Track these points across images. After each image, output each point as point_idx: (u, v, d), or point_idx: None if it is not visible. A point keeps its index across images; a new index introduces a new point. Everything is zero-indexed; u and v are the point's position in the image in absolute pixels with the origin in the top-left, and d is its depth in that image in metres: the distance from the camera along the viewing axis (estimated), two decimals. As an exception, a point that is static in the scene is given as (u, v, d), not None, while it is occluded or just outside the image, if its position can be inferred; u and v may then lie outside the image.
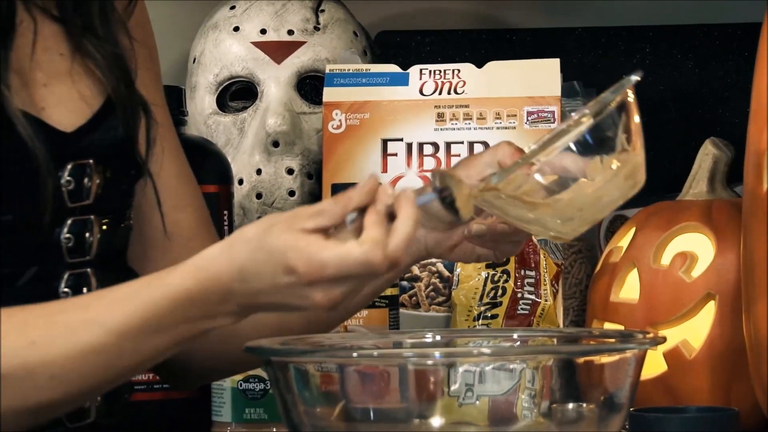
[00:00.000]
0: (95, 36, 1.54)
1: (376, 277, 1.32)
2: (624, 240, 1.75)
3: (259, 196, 2.04)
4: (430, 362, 1.31)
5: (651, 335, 1.38)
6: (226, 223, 1.93)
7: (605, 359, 1.30)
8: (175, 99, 2.03)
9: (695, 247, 1.69)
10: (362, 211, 1.30)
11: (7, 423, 1.32)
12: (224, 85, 2.09)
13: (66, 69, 1.53)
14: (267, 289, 1.32)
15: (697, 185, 1.77)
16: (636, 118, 1.43)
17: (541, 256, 1.75)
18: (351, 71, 1.95)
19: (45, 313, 1.34)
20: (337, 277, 1.30)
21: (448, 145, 1.89)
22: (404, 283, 1.86)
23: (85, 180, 1.47)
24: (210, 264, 1.33)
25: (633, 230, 1.75)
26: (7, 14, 1.46)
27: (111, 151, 1.50)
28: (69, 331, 1.33)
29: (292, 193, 2.04)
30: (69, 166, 1.45)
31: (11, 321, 1.32)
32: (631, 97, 1.42)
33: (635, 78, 1.41)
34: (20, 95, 1.46)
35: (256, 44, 2.08)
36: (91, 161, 1.47)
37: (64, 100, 1.51)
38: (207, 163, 2.00)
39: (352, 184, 1.58)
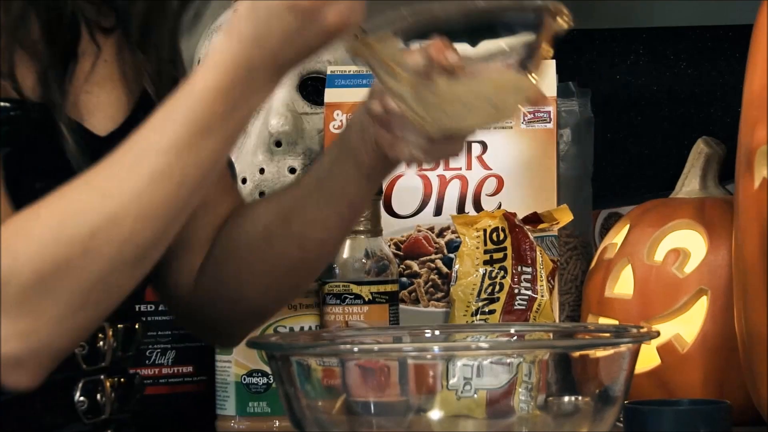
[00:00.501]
0: (147, 49, 1.53)
1: None
2: (618, 237, 1.76)
3: (262, 194, 2.03)
4: (429, 356, 1.31)
5: (645, 330, 1.38)
6: (229, 221, 1.94)
7: (600, 353, 1.30)
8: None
9: (688, 244, 1.70)
10: None
11: (119, 279, 1.33)
12: (228, 86, 2.10)
13: (108, 75, 1.52)
14: (282, 39, 1.33)
15: (689, 183, 1.77)
16: (547, 49, 1.42)
17: (538, 252, 1.75)
18: (351, 73, 1.95)
19: (102, 167, 1.34)
20: None
21: (446, 144, 1.89)
22: (404, 279, 1.86)
23: None
24: (221, 53, 1.34)
25: (627, 227, 1.75)
26: (73, 42, 1.46)
27: None
28: (130, 170, 1.33)
29: (292, 195, 2.05)
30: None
31: (76, 185, 1.33)
32: (557, 26, 1.40)
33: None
34: (79, 97, 1.48)
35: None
36: None
37: (103, 105, 1.51)
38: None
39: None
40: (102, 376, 1.49)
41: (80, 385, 1.47)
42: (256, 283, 1.58)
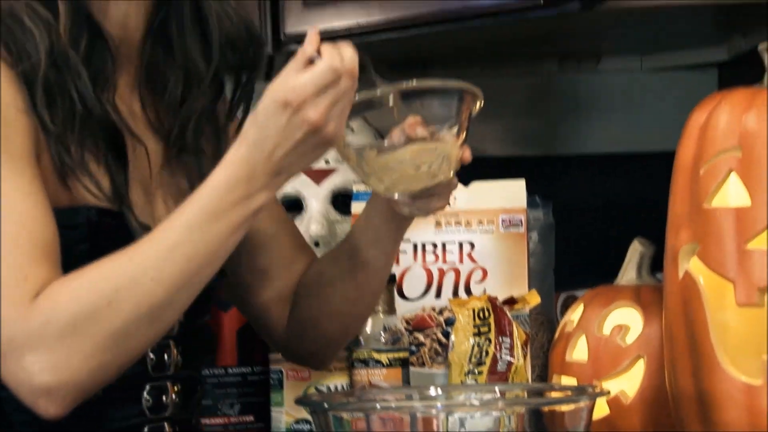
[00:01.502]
0: (197, 155, 1.49)
1: (349, 85, 1.29)
2: (575, 314, 1.75)
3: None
4: (433, 411, 1.31)
5: (598, 389, 1.38)
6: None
7: (565, 408, 1.30)
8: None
9: (628, 320, 1.69)
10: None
11: (136, 332, 1.30)
12: (280, 201, 2.09)
13: (176, 185, 1.49)
14: (278, 138, 1.29)
15: (628, 273, 1.76)
16: (471, 115, 1.39)
17: (514, 327, 1.74)
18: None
19: (139, 243, 1.32)
20: (317, 90, 1.28)
21: (444, 244, 1.88)
22: (413, 347, 1.85)
23: None
24: (232, 153, 1.32)
25: (582, 307, 1.75)
26: (117, 141, 1.42)
27: None
28: (152, 242, 1.31)
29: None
30: None
31: (117, 256, 1.31)
32: (475, 97, 1.38)
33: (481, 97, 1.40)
34: (145, 210, 1.44)
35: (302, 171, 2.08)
36: None
37: (171, 208, 1.44)
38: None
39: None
40: (167, 382, 1.45)
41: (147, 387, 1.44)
42: (330, 319, 1.58)
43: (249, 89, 1.51)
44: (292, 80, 1.29)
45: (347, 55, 1.31)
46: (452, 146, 1.40)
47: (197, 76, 1.47)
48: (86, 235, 1.37)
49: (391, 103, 1.38)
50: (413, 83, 1.37)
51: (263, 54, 1.52)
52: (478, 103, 1.41)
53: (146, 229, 1.39)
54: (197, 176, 1.45)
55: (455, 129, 1.39)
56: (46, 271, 1.30)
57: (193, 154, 1.49)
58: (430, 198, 1.45)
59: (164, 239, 1.31)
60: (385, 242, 1.54)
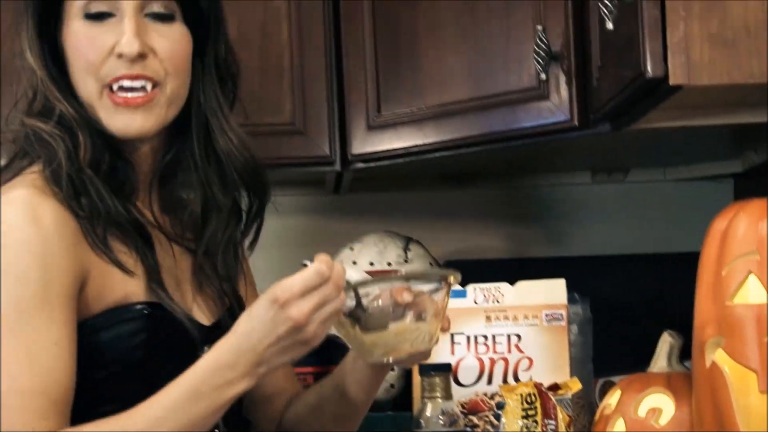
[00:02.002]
0: (215, 267, 1.46)
1: (333, 293, 1.25)
2: (613, 398, 1.72)
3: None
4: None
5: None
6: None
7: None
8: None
9: (661, 404, 1.66)
10: None
11: None
12: (346, 299, 2.10)
13: (201, 284, 1.46)
14: (263, 331, 1.26)
15: (659, 362, 1.73)
16: (447, 301, 1.38)
17: (558, 410, 1.73)
18: (459, 289, 1.94)
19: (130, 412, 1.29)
20: (303, 291, 1.25)
21: (494, 336, 1.87)
22: (468, 429, 1.83)
23: None
24: (222, 340, 1.28)
25: (618, 392, 1.72)
26: (143, 234, 1.39)
27: None
28: (142, 414, 1.27)
29: (392, 369, 2.02)
30: (206, 347, 1.37)
31: (110, 420, 1.27)
32: (456, 278, 1.38)
33: (458, 276, 1.40)
34: (176, 295, 1.41)
35: (368, 272, 2.06)
36: None
37: (203, 306, 1.44)
38: (337, 351, 1.98)
39: (436, 364, 1.59)
40: None
41: None
42: None
43: (260, 211, 1.50)
44: (285, 281, 1.27)
45: (336, 267, 1.28)
46: (433, 325, 1.40)
47: (216, 204, 1.45)
48: (142, 327, 1.35)
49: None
50: (402, 273, 1.38)
51: (268, 182, 1.49)
52: (456, 278, 1.42)
53: (189, 317, 1.37)
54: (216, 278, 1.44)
55: (437, 305, 1.39)
56: (53, 424, 1.27)
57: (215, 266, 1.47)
58: (411, 358, 1.43)
59: (150, 415, 1.28)
60: (366, 383, 1.50)
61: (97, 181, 1.34)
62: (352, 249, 2.10)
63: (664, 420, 1.64)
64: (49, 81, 1.36)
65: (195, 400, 1.27)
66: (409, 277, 1.41)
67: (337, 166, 2.03)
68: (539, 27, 1.74)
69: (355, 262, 2.08)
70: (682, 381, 1.66)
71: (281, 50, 2.01)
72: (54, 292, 1.28)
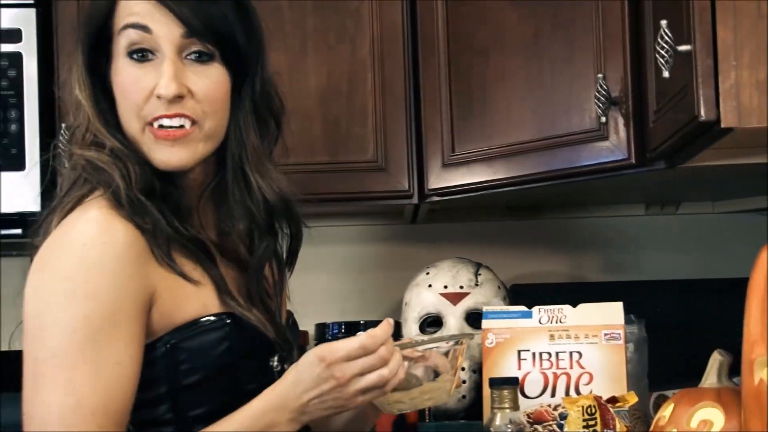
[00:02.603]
0: (262, 285, 1.39)
1: (375, 364, 1.23)
2: (666, 410, 1.69)
3: (445, 383, 2.02)
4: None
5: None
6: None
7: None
8: (397, 329, 2.04)
9: (712, 417, 1.63)
10: None
11: None
12: (423, 318, 2.08)
13: (253, 299, 1.39)
14: (308, 384, 1.24)
15: (710, 378, 1.70)
16: (461, 362, 1.40)
17: (617, 421, 1.70)
18: (498, 310, 1.94)
19: None
20: (346, 357, 1.23)
21: (557, 353, 1.85)
22: (530, 441, 1.82)
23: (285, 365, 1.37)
24: (272, 386, 1.26)
25: (672, 405, 1.69)
26: (204, 249, 1.34)
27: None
28: None
29: (464, 381, 2.02)
30: (275, 358, 1.35)
31: None
32: (469, 339, 1.41)
33: (471, 336, 1.43)
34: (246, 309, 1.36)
35: (442, 294, 2.08)
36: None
37: (261, 319, 1.37)
38: (414, 365, 1.99)
39: (504, 378, 1.58)
40: None
41: None
42: None
43: (294, 238, 1.44)
44: (334, 343, 1.26)
45: (388, 346, 1.26)
46: (450, 382, 1.41)
47: (258, 229, 1.38)
48: (225, 335, 1.30)
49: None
50: (424, 339, 1.39)
51: (298, 216, 1.41)
52: (468, 340, 1.43)
53: (263, 325, 1.33)
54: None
55: (455, 364, 1.40)
56: None
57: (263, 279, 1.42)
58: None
59: None
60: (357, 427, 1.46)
61: (154, 204, 1.30)
62: (427, 273, 2.10)
63: (714, 431, 1.61)
64: (97, 117, 1.32)
65: None
66: (430, 341, 1.41)
67: (415, 200, 2.04)
68: (600, 75, 1.74)
69: (430, 285, 2.08)
70: (732, 396, 1.63)
71: (366, 97, 2.03)
72: (123, 310, 1.23)
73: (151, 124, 1.31)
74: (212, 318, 1.30)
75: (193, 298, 1.30)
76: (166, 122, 1.30)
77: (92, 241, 1.22)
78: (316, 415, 1.26)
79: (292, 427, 1.26)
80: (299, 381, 1.25)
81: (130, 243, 1.24)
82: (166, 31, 1.29)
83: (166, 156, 1.31)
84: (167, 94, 1.29)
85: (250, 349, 1.33)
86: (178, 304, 1.29)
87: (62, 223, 1.25)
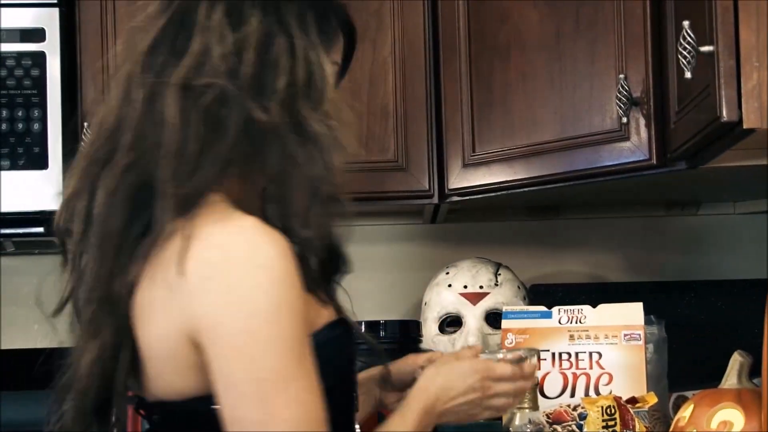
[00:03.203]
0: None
1: (520, 389, 1.34)
2: (686, 411, 1.69)
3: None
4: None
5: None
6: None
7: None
8: (415, 328, 2.04)
9: (732, 417, 1.63)
10: None
11: None
12: (442, 318, 2.09)
13: None
14: (459, 390, 1.29)
15: (730, 378, 1.70)
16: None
17: (636, 421, 1.70)
18: (517, 310, 1.94)
19: None
20: (499, 378, 1.32)
21: (576, 354, 1.85)
22: (552, 438, 1.82)
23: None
24: (422, 389, 1.29)
25: (692, 406, 1.69)
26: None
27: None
28: None
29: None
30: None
31: None
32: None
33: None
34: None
35: (462, 294, 2.08)
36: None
37: None
38: (434, 364, 1.99)
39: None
40: None
41: None
42: None
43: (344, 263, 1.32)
44: (492, 363, 1.34)
45: (530, 372, 1.37)
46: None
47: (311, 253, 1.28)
48: (348, 341, 1.26)
49: None
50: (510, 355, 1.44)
51: (344, 255, 1.27)
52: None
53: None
54: None
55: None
56: None
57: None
58: None
59: None
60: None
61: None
62: (447, 273, 2.10)
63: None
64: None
65: None
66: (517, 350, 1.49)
67: (435, 199, 2.04)
68: (621, 76, 1.73)
69: (450, 285, 2.09)
70: (752, 397, 1.62)
71: (387, 97, 2.03)
72: (303, 337, 1.13)
73: None
74: (337, 324, 1.24)
75: (318, 304, 1.24)
76: None
77: (272, 253, 1.10)
78: (453, 419, 1.31)
79: (431, 426, 1.30)
80: (450, 387, 1.30)
81: (290, 253, 1.13)
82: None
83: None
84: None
85: (356, 354, 1.32)
86: (310, 309, 1.22)
87: (213, 231, 1.11)
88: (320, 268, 1.19)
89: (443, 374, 1.30)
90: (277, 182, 1.15)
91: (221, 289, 1.09)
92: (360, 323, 2.08)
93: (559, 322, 1.88)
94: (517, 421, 1.69)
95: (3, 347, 2.23)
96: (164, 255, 1.12)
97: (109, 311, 1.14)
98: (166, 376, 1.15)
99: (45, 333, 2.41)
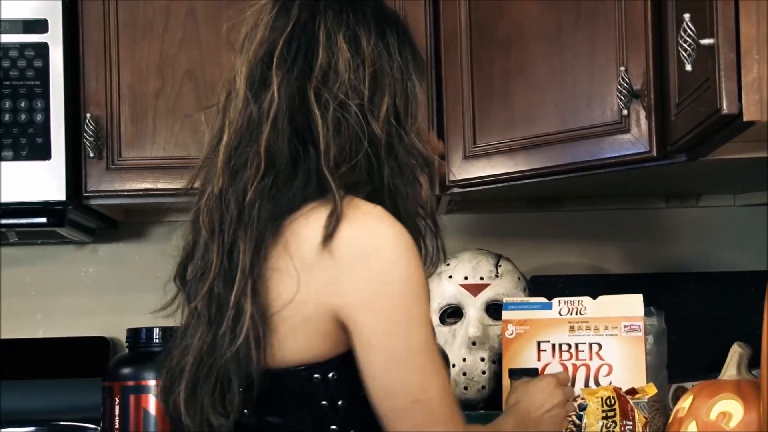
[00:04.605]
0: None
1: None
2: (686, 402, 1.69)
3: (464, 374, 2.03)
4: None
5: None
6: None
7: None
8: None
9: (731, 409, 1.63)
10: None
11: None
12: (443, 309, 2.08)
13: None
14: (544, 399, 1.42)
15: (730, 370, 1.70)
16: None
17: (636, 412, 1.71)
18: (518, 301, 1.94)
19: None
20: (566, 381, 1.54)
21: (576, 345, 1.86)
22: (552, 429, 1.82)
23: None
24: (511, 404, 1.42)
25: (691, 397, 1.69)
26: None
27: None
28: None
29: (483, 372, 2.02)
30: None
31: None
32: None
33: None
34: None
35: (462, 285, 2.08)
36: None
37: None
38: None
39: (524, 369, 1.59)
40: None
41: None
42: None
43: None
44: (561, 373, 1.62)
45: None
46: None
47: None
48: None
49: None
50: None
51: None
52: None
53: None
54: None
55: None
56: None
57: None
58: None
59: None
60: None
61: None
62: (448, 264, 2.11)
63: (733, 423, 1.61)
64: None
65: None
66: None
67: (436, 191, 2.03)
68: (622, 68, 1.73)
69: (450, 276, 2.09)
70: (751, 388, 1.63)
71: (388, 88, 2.03)
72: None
73: None
74: None
75: None
76: None
77: (409, 238, 1.23)
78: (544, 428, 1.42)
79: None
80: (534, 399, 1.44)
81: None
82: None
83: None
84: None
85: None
86: None
87: (357, 215, 1.22)
88: None
89: (525, 392, 1.43)
90: (387, 193, 1.27)
91: (375, 269, 1.21)
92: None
93: (560, 314, 1.88)
94: None
95: (4, 337, 2.23)
96: (301, 232, 1.21)
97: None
98: (292, 342, 1.22)
99: (47, 323, 2.43)
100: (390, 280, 1.21)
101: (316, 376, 1.23)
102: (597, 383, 1.83)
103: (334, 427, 1.24)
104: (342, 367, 1.24)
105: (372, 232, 1.22)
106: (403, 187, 1.27)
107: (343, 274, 1.20)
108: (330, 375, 1.23)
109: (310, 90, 1.23)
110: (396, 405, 1.21)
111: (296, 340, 1.22)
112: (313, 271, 1.21)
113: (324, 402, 1.23)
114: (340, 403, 1.24)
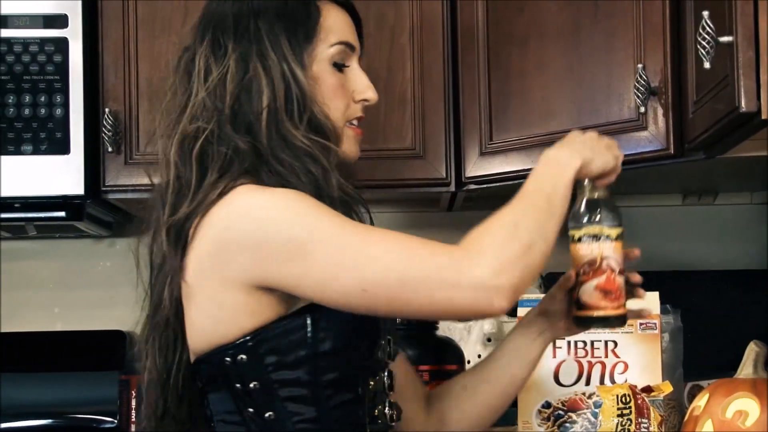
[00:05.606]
0: None
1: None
2: (702, 401, 1.69)
3: (479, 370, 2.03)
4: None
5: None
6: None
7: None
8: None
9: (747, 407, 1.63)
10: None
11: (536, 243, 1.36)
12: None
13: None
14: (575, 138, 1.37)
15: (746, 368, 1.70)
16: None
17: (651, 410, 1.70)
18: (533, 298, 1.93)
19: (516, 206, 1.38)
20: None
21: (592, 342, 1.85)
22: (567, 425, 1.82)
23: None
24: (554, 158, 1.37)
25: (707, 395, 1.69)
26: None
27: None
28: (520, 201, 1.38)
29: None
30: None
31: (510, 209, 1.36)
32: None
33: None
34: None
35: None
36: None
37: None
38: (449, 352, 1.99)
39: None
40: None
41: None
42: (465, 418, 1.53)
43: None
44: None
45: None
46: None
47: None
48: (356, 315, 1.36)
49: None
50: None
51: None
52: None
53: None
54: None
55: None
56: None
57: None
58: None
59: (522, 201, 1.39)
60: (529, 358, 1.52)
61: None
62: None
63: (750, 422, 1.61)
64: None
65: (539, 189, 1.38)
66: None
67: (452, 187, 2.03)
68: (639, 65, 1.72)
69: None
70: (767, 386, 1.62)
71: (405, 85, 2.02)
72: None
73: (350, 122, 1.42)
74: None
75: None
76: (356, 122, 1.43)
77: (277, 195, 1.30)
78: (589, 157, 1.38)
79: (575, 160, 1.36)
80: (575, 140, 1.38)
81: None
82: (357, 48, 1.43)
83: (356, 150, 1.43)
84: (374, 99, 1.43)
85: (375, 323, 1.37)
86: None
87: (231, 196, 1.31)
88: None
89: (567, 140, 1.38)
90: (295, 179, 1.33)
91: (259, 232, 1.27)
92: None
93: (575, 310, 1.87)
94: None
95: (23, 330, 2.24)
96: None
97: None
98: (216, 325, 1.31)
99: (65, 316, 2.44)
100: (276, 232, 1.26)
101: (227, 359, 1.29)
102: (612, 381, 1.82)
103: (251, 409, 1.29)
104: (252, 349, 1.29)
105: (250, 202, 1.29)
106: (307, 174, 1.33)
107: (241, 247, 1.28)
108: (239, 357, 1.29)
109: (188, 123, 1.36)
110: (382, 292, 1.25)
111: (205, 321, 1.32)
112: (219, 254, 1.30)
113: (237, 385, 1.30)
114: (252, 385, 1.29)
